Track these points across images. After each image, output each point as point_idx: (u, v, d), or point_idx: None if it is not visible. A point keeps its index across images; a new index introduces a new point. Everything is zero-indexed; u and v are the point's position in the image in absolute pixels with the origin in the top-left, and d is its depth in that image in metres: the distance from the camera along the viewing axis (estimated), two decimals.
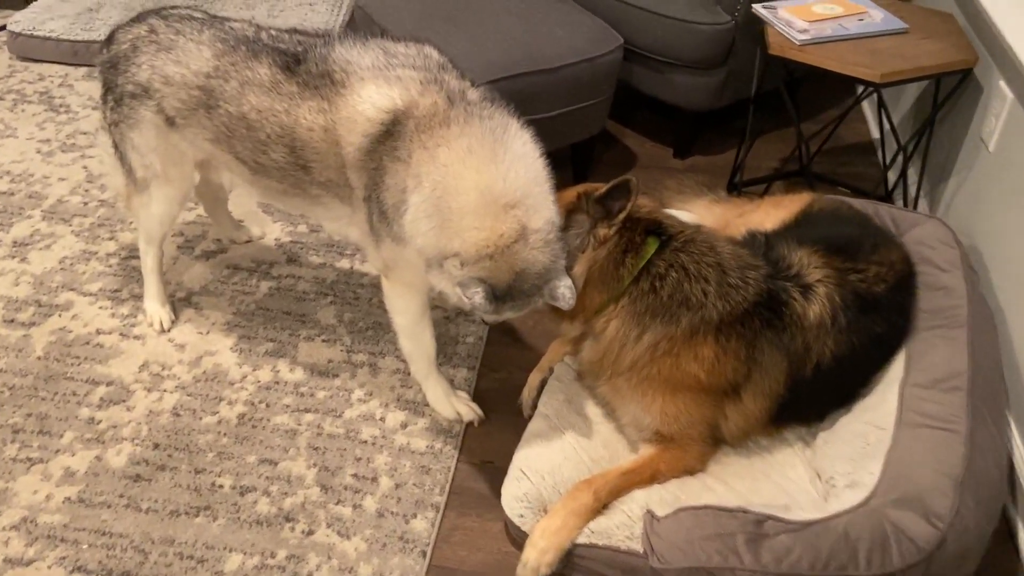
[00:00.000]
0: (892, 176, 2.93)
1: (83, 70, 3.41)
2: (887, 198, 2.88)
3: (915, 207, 2.60)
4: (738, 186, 2.92)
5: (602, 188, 1.76)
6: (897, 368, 1.88)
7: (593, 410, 1.98)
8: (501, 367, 2.26)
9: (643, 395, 1.81)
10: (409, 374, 2.17)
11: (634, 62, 2.81)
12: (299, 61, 1.79)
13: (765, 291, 1.77)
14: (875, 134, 3.17)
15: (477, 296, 1.61)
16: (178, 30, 1.89)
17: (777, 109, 3.11)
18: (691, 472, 1.83)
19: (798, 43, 2.32)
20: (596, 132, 2.82)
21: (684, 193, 2.61)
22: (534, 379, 2.11)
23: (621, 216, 1.74)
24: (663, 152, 3.14)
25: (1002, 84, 2.21)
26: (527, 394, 2.10)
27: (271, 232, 2.67)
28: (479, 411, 2.12)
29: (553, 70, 2.55)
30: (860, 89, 2.81)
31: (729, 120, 3.20)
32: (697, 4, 2.80)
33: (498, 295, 1.63)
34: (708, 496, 1.76)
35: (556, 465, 1.81)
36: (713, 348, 1.75)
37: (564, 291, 1.67)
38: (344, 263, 2.58)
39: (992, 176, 2.24)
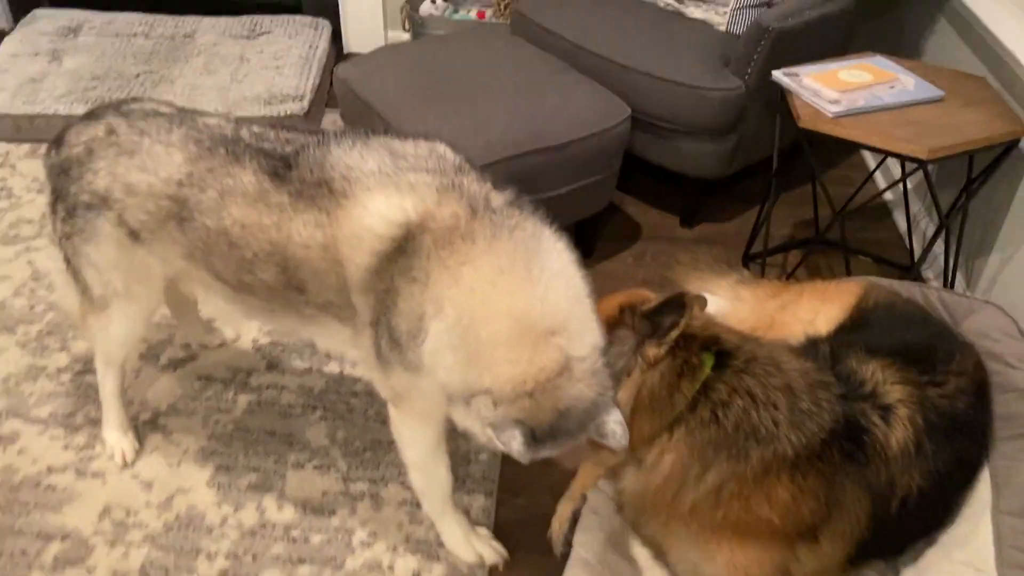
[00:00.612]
0: (916, 245, 2.75)
1: (26, 147, 3.08)
2: (912, 269, 2.69)
3: (952, 284, 2.40)
4: (754, 257, 2.71)
5: (649, 300, 1.51)
6: (983, 491, 1.66)
7: (640, 552, 1.72)
8: (523, 491, 1.99)
9: (706, 542, 1.56)
10: (418, 506, 1.88)
11: (639, 130, 2.59)
12: (289, 166, 1.52)
13: (842, 416, 1.53)
14: (888, 196, 3.00)
15: (515, 441, 1.35)
16: (142, 130, 1.60)
17: (781, 170, 2.92)
18: None
19: (831, 115, 2.11)
20: (603, 207, 2.59)
21: (701, 270, 2.37)
22: (565, 510, 1.84)
23: (674, 334, 1.49)
24: (669, 221, 2.92)
25: None
26: (557, 527, 1.83)
27: (246, 332, 2.37)
28: (503, 551, 1.84)
29: (560, 147, 2.31)
30: (900, 166, 2.62)
31: (735, 184, 2.99)
32: (706, 69, 2.60)
33: (538, 437, 1.37)
34: None
35: None
36: (788, 488, 1.50)
37: (615, 428, 1.41)
38: (333, 367, 2.29)
39: None
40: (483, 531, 1.87)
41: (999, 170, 2.19)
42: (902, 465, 1.55)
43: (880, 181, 2.99)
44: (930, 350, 1.70)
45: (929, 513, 1.63)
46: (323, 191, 1.48)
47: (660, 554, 1.69)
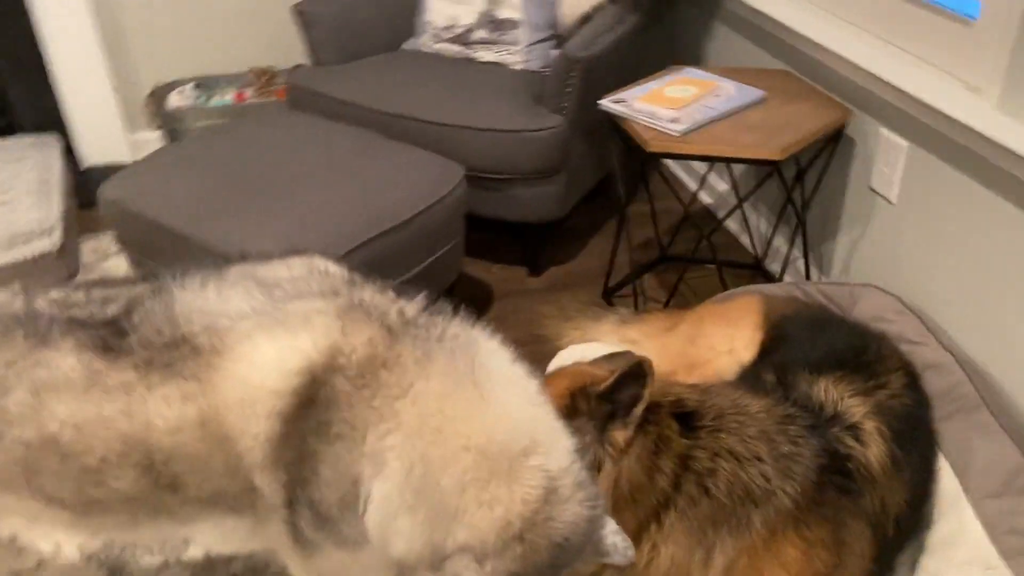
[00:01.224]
0: (757, 243, 2.78)
1: None
2: (759, 265, 2.72)
3: (807, 274, 2.42)
4: (613, 291, 2.60)
5: (596, 377, 1.31)
6: (948, 480, 1.61)
7: None
8: None
9: None
10: None
11: (470, 186, 2.39)
12: (122, 332, 1.15)
13: (821, 449, 1.41)
14: (707, 199, 3.02)
15: None
16: None
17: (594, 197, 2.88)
18: None
19: (678, 134, 2.03)
20: (455, 277, 2.35)
21: (573, 318, 2.21)
22: None
23: (639, 409, 1.30)
24: (516, 273, 2.74)
25: (885, 132, 2.08)
26: None
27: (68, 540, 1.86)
28: None
29: (404, 224, 2.05)
30: (728, 171, 2.61)
31: (564, 222, 2.87)
32: (521, 110, 2.46)
33: None
34: None
35: None
36: (798, 546, 1.35)
37: (615, 541, 1.19)
38: (195, 552, 1.85)
39: (901, 228, 2.10)
40: None
41: (832, 156, 2.22)
42: (888, 484, 1.45)
43: (689, 184, 3.02)
44: (861, 352, 1.63)
45: (916, 522, 1.56)
46: (182, 353, 1.13)
47: None
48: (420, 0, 2.89)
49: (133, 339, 1.14)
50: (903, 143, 2.03)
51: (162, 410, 1.12)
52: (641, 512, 1.33)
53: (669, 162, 3.18)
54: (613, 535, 1.19)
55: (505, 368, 1.18)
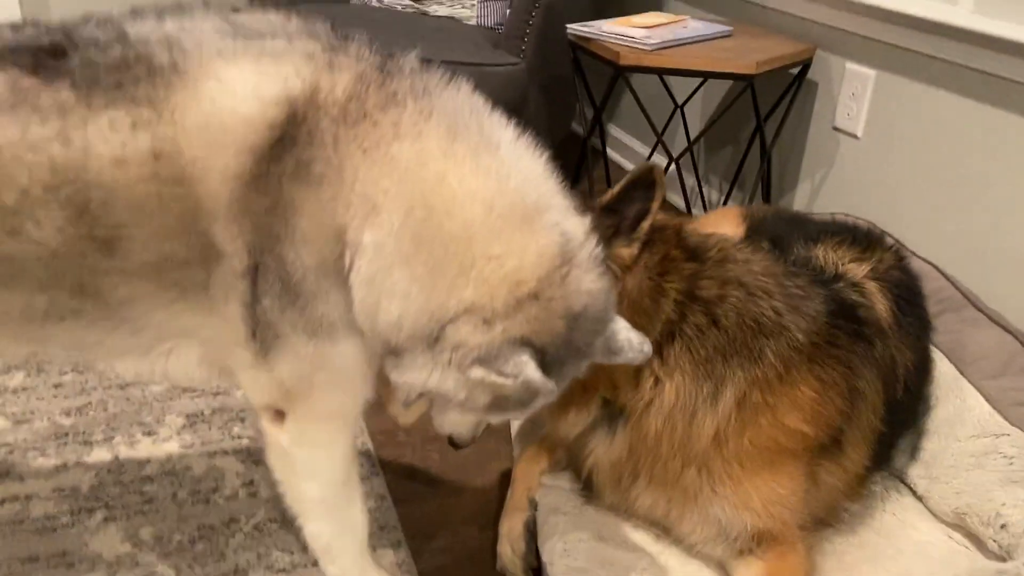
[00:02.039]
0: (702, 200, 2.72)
1: None
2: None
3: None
4: None
5: (611, 190, 1.17)
6: (944, 366, 1.52)
7: (642, 536, 1.31)
8: (437, 531, 1.47)
9: (735, 483, 1.21)
10: None
11: None
12: (60, 52, 0.95)
13: (829, 298, 1.30)
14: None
15: (527, 368, 0.92)
16: None
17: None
18: None
19: (650, 48, 1.98)
20: None
21: None
22: (513, 526, 1.37)
23: (647, 223, 1.16)
24: None
25: (851, 66, 2.08)
26: (509, 551, 1.36)
27: None
28: None
29: None
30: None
31: None
32: (480, 50, 2.37)
33: (551, 359, 0.95)
34: None
35: None
36: (812, 385, 1.22)
37: (629, 336, 1.04)
38: (101, 454, 1.58)
39: (867, 161, 2.08)
40: None
41: (795, 95, 2.20)
42: (895, 339, 1.35)
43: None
44: (852, 230, 1.55)
45: (921, 394, 1.45)
46: (135, 73, 0.94)
47: (668, 529, 1.29)
48: None
49: (74, 59, 0.94)
50: (870, 72, 2.03)
51: (105, 135, 0.92)
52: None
53: (618, 156, 3.13)
54: (626, 331, 1.04)
55: (512, 134, 1.03)
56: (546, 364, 0.94)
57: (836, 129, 2.16)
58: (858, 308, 1.32)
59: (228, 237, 0.95)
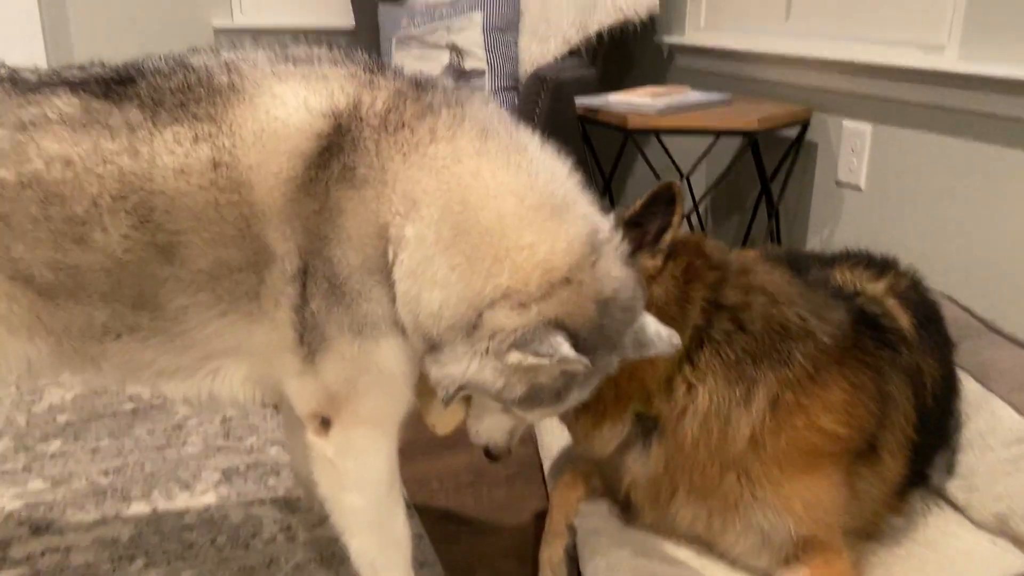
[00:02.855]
0: None
1: None
2: None
3: None
4: None
5: (634, 205, 1.24)
6: (971, 385, 1.54)
7: (685, 553, 1.30)
8: (476, 566, 1.46)
9: (775, 486, 1.22)
10: None
11: None
12: (127, 80, 1.05)
13: (852, 308, 1.34)
14: None
15: (562, 348, 0.96)
16: None
17: None
18: None
19: (657, 112, 2.10)
20: None
21: None
22: (553, 553, 1.37)
23: (669, 235, 1.22)
24: None
25: (848, 123, 2.19)
26: None
27: None
28: None
29: None
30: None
31: None
32: None
33: (583, 342, 0.99)
34: None
35: None
36: (843, 388, 1.25)
37: (658, 330, 1.08)
38: (140, 507, 1.60)
39: (872, 209, 2.16)
40: None
41: (797, 155, 2.31)
42: (920, 350, 1.39)
43: None
44: (868, 257, 1.61)
45: (948, 408, 1.47)
46: (197, 94, 1.03)
47: (709, 543, 1.29)
48: (386, 58, 3.00)
49: (140, 84, 1.04)
50: (866, 126, 2.13)
51: (171, 147, 1.00)
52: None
53: None
54: (655, 324, 1.09)
55: (537, 140, 1.11)
56: (579, 348, 0.98)
57: (839, 184, 2.25)
58: (880, 318, 1.36)
59: (280, 238, 1.02)
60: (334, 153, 1.02)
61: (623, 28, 2.75)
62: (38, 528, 1.53)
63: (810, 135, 2.31)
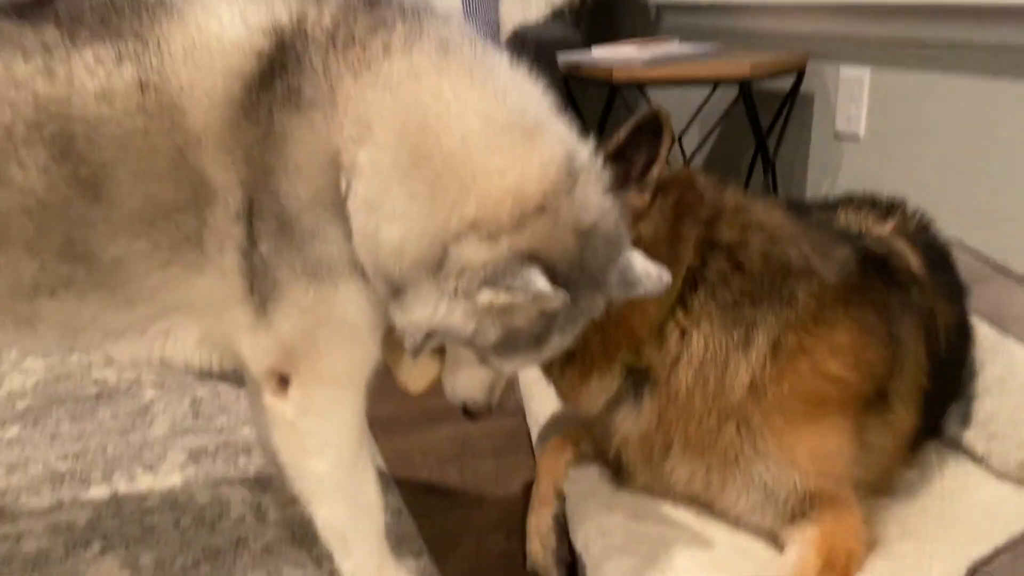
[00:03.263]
0: None
1: None
2: None
3: None
4: None
5: (616, 136, 1.13)
6: (985, 330, 1.43)
7: (682, 514, 1.20)
8: (459, 540, 1.36)
9: (778, 436, 1.12)
10: None
11: None
12: (43, 0, 0.93)
13: (858, 248, 1.24)
14: None
15: (537, 281, 0.85)
16: None
17: None
18: (857, 559, 1.12)
19: (643, 64, 1.99)
20: None
21: None
22: (542, 521, 1.27)
23: (656, 169, 1.12)
24: None
25: (845, 70, 2.08)
26: (539, 547, 1.25)
27: None
28: None
29: None
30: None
31: None
32: None
33: (561, 277, 0.88)
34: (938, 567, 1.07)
35: None
36: (850, 329, 1.15)
37: (646, 267, 0.98)
38: (99, 491, 1.49)
39: (872, 158, 2.05)
40: None
41: (792, 105, 2.20)
42: (932, 291, 1.28)
43: None
44: (872, 198, 1.50)
45: (962, 356, 1.36)
46: (119, 8, 0.92)
47: (709, 503, 1.19)
48: None
49: (59, 2, 0.92)
50: (864, 71, 2.03)
51: (91, 68, 0.89)
52: (665, 292, 1.11)
53: None
54: (642, 261, 0.98)
55: (506, 58, 1.00)
56: (557, 284, 0.87)
57: (837, 135, 2.14)
58: (889, 258, 1.25)
59: (219, 170, 0.91)
60: (277, 73, 0.91)
61: None
62: None
63: (805, 86, 2.19)
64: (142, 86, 0.89)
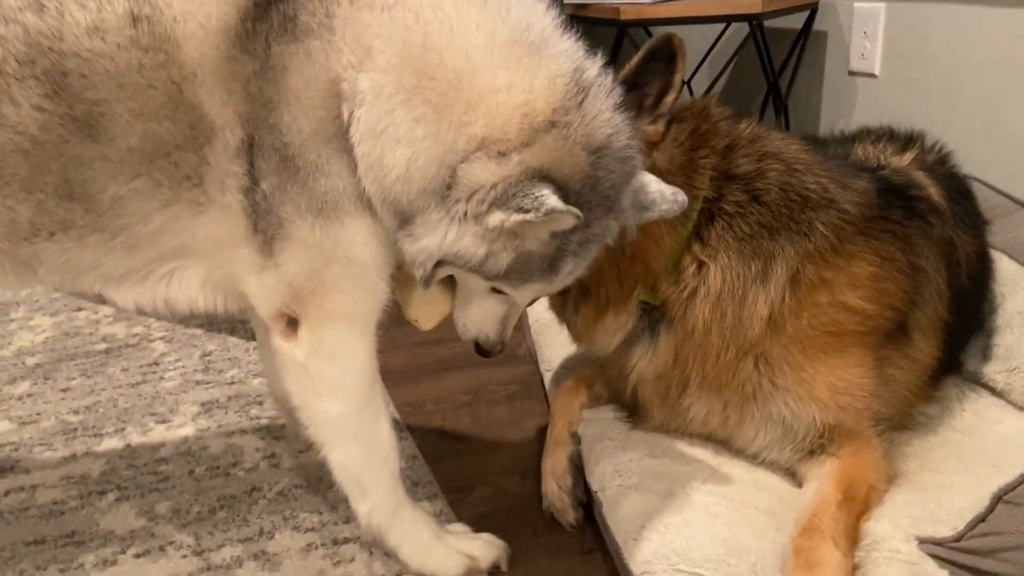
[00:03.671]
0: None
1: None
2: None
3: None
4: None
5: (629, 63, 1.09)
6: (1006, 263, 1.41)
7: (699, 451, 1.19)
8: (475, 482, 1.35)
9: (796, 371, 1.10)
10: (338, 542, 1.18)
11: None
12: None
13: (878, 179, 1.21)
14: None
15: (548, 200, 0.82)
16: None
17: None
18: (877, 493, 1.10)
19: (651, 1, 1.93)
20: None
21: None
22: (557, 461, 1.26)
23: (671, 97, 1.08)
24: None
25: (859, 4, 2.02)
26: (556, 488, 1.24)
27: None
28: (499, 541, 1.17)
29: None
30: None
31: None
32: None
33: (573, 194, 0.86)
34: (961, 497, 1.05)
35: (727, 542, 0.99)
36: (870, 260, 1.12)
37: (661, 189, 0.95)
38: (113, 442, 1.48)
39: (889, 96, 2.00)
40: (457, 526, 1.19)
41: (805, 43, 2.15)
42: (952, 222, 1.25)
43: None
44: (890, 130, 1.47)
45: (983, 288, 1.34)
46: None
47: (727, 440, 1.17)
48: None
49: None
50: (879, 5, 1.97)
51: (82, 1, 0.86)
52: (680, 224, 1.09)
53: None
54: (656, 183, 0.95)
55: None
56: (569, 202, 0.85)
57: (852, 73, 2.09)
58: (908, 189, 1.22)
59: (218, 104, 0.88)
60: (271, 1, 0.87)
61: None
62: (1, 469, 1.43)
63: (818, 24, 2.14)
64: (134, 19, 0.86)
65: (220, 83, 0.88)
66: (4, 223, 0.93)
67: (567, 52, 0.90)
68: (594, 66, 0.92)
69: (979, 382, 1.32)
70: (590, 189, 0.87)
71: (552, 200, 0.82)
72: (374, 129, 0.86)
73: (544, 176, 0.84)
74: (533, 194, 0.82)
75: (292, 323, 1.00)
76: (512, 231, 0.86)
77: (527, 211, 0.82)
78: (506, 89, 0.85)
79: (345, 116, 0.87)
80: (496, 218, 0.84)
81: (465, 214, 0.86)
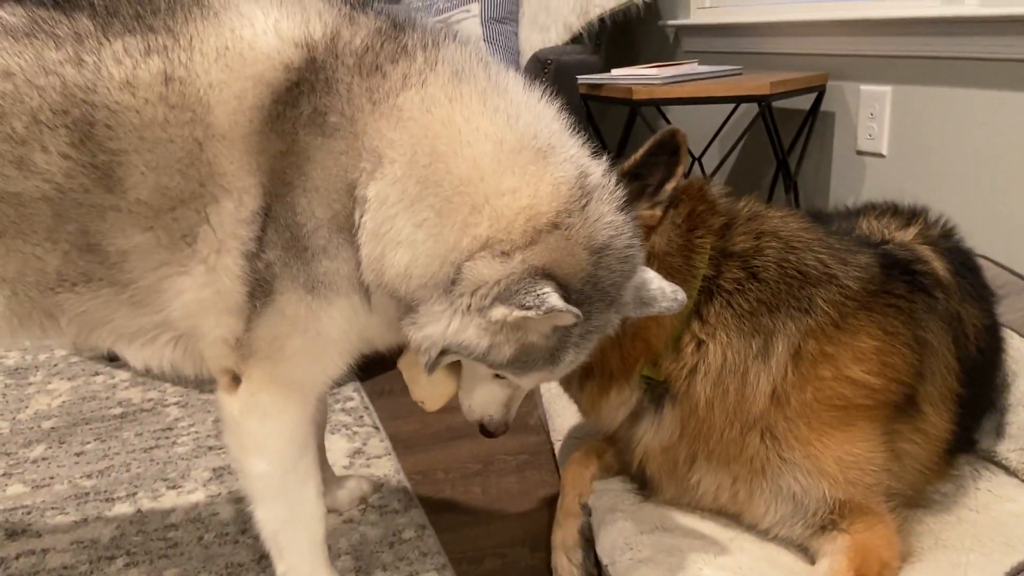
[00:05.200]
0: None
1: None
2: None
3: None
4: None
5: (634, 155, 1.13)
6: (1017, 342, 1.42)
7: (710, 526, 1.18)
8: (484, 556, 1.34)
9: (804, 444, 1.10)
10: None
11: None
12: None
13: (881, 254, 1.23)
14: None
15: (549, 298, 0.85)
16: None
17: None
18: (891, 570, 1.09)
19: (662, 82, 2.00)
20: None
21: None
22: (567, 534, 1.25)
23: (670, 186, 1.12)
24: None
25: (865, 88, 2.08)
26: (565, 561, 1.23)
27: None
28: None
29: None
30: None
31: None
32: None
33: (574, 293, 0.89)
34: None
35: None
36: (873, 334, 1.13)
37: (661, 286, 0.98)
38: (124, 507, 1.49)
39: (898, 174, 2.04)
40: None
41: (813, 124, 2.20)
42: (958, 295, 1.26)
43: None
44: (894, 205, 1.49)
45: (994, 362, 1.34)
46: (155, 4, 0.94)
47: (737, 514, 1.17)
48: None
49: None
50: (885, 89, 2.02)
51: (119, 58, 0.91)
52: None
53: None
54: (657, 280, 0.98)
55: (521, 80, 1.01)
56: (570, 300, 0.87)
57: (860, 153, 2.14)
58: (912, 263, 1.24)
59: (242, 170, 0.92)
60: (305, 91, 0.92)
61: (626, 12, 2.66)
62: (14, 532, 1.43)
63: (826, 104, 2.19)
64: (167, 78, 0.91)
65: (247, 152, 0.92)
66: (34, 271, 0.97)
67: (573, 158, 0.94)
68: (599, 169, 0.96)
69: (993, 460, 1.31)
70: (591, 286, 0.90)
71: (553, 299, 0.84)
72: (376, 232, 0.91)
73: (546, 274, 0.87)
74: (535, 292, 0.85)
75: (236, 379, 1.02)
76: (515, 324, 0.88)
77: (529, 308, 0.84)
78: (511, 192, 0.89)
79: (356, 218, 0.91)
80: (499, 312, 0.86)
81: (469, 307, 0.88)
